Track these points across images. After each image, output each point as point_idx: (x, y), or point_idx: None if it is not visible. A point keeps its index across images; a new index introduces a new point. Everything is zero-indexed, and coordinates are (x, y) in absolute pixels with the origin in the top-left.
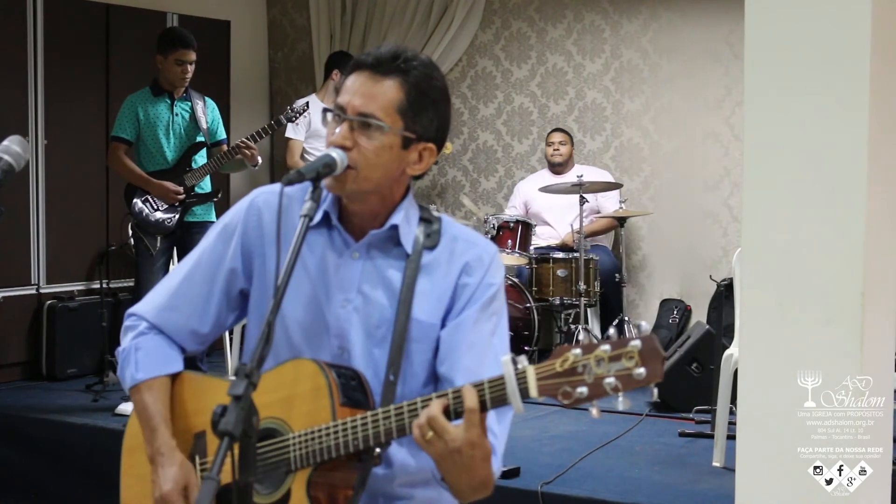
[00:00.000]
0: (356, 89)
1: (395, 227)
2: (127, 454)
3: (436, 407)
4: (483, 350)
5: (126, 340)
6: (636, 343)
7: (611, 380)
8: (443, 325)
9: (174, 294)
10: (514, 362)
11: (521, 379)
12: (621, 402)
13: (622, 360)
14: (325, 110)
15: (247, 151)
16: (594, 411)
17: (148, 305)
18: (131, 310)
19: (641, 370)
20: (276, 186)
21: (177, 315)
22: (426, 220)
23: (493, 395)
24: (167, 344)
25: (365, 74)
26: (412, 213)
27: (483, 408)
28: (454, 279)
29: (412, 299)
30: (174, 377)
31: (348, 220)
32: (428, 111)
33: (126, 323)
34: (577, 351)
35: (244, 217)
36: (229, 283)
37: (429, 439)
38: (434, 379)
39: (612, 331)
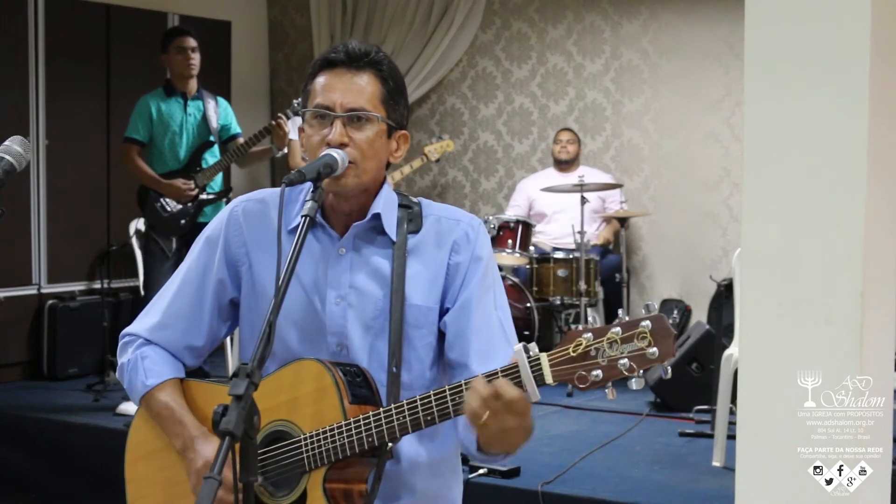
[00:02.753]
0: (337, 86)
1: (377, 216)
2: (131, 465)
3: (509, 386)
4: (489, 328)
5: (127, 354)
6: (647, 323)
7: (624, 361)
8: (442, 308)
9: (165, 312)
10: (527, 350)
11: (535, 366)
12: (635, 382)
13: (634, 341)
14: (303, 113)
15: (281, 128)
16: (610, 392)
17: (141, 326)
18: (125, 330)
19: (654, 349)
20: (256, 194)
21: (170, 332)
22: (405, 206)
23: None
24: (169, 354)
25: (341, 71)
26: (391, 200)
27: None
28: (445, 259)
29: (404, 286)
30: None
31: (332, 217)
32: (401, 100)
33: (122, 341)
34: (589, 335)
35: (225, 228)
36: (218, 294)
37: (483, 423)
38: (439, 361)
39: (620, 312)
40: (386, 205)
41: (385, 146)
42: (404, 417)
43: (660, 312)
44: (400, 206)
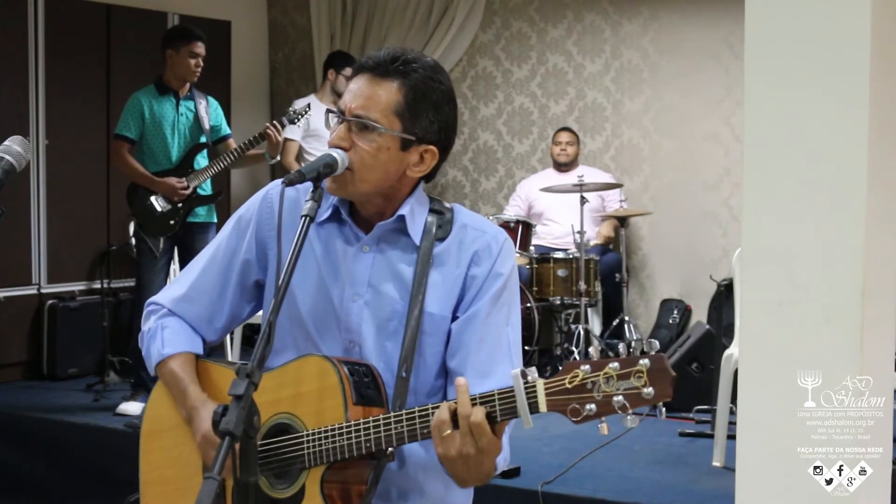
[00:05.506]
0: (356, 92)
1: (401, 218)
2: (146, 439)
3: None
4: (495, 344)
5: (150, 322)
6: (645, 362)
7: (619, 398)
8: (454, 317)
9: (191, 286)
10: (524, 375)
11: (531, 393)
12: (630, 420)
13: (631, 379)
14: (328, 111)
15: (272, 137)
16: (604, 427)
17: (166, 296)
18: (151, 299)
19: (650, 389)
20: None
21: (194, 306)
22: (437, 211)
23: (503, 408)
24: (190, 328)
25: (366, 77)
26: (421, 203)
27: (492, 421)
28: (464, 270)
29: (424, 293)
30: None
31: (358, 215)
32: (427, 113)
33: (147, 309)
34: (587, 367)
35: (258, 209)
36: (244, 274)
37: (445, 437)
38: (446, 370)
39: (621, 347)
40: (414, 208)
41: (395, 159)
42: (402, 427)
43: (660, 353)
44: (431, 210)
